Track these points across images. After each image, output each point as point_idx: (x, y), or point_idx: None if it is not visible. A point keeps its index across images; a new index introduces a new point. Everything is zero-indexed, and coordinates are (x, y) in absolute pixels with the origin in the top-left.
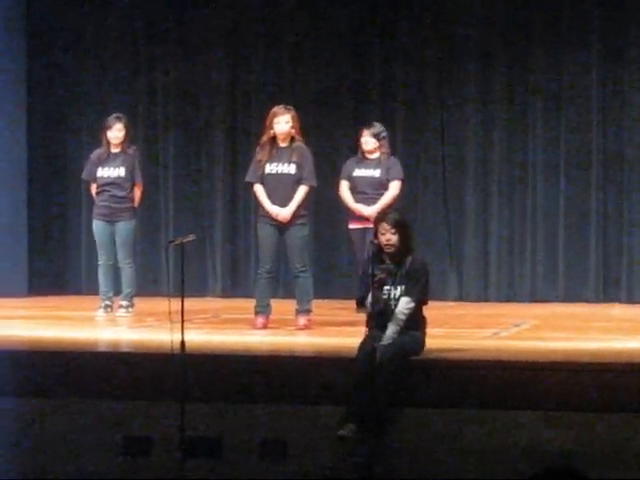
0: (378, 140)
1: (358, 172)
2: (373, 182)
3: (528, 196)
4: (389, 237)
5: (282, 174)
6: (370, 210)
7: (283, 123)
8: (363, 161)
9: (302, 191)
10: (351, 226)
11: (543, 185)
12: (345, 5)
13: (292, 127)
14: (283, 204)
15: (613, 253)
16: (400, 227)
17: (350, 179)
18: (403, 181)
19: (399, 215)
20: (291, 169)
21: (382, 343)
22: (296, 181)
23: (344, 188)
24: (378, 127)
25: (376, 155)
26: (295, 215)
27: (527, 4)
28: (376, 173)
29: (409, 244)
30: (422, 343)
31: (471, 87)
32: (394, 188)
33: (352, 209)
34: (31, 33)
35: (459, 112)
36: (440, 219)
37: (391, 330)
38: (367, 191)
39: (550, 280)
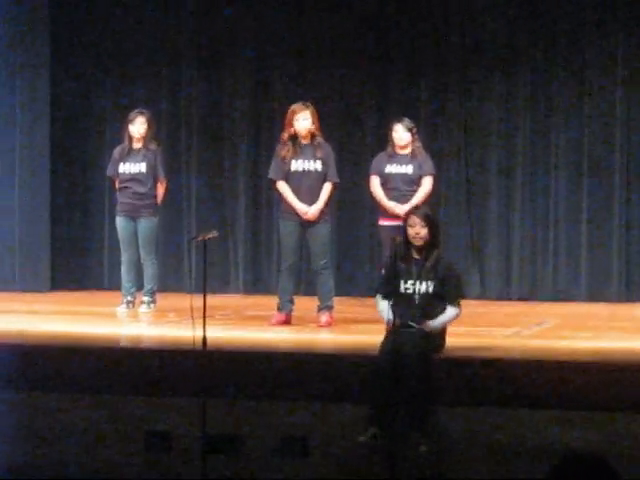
0: (412, 134)
1: (390, 168)
2: (406, 179)
3: (551, 194)
4: (418, 230)
5: (309, 171)
6: (404, 209)
7: (303, 120)
8: (395, 156)
9: (328, 189)
10: (381, 223)
11: (566, 183)
12: (368, 10)
13: (312, 123)
14: (309, 200)
15: (636, 252)
16: (430, 221)
17: (382, 175)
18: (435, 176)
19: (429, 210)
20: (317, 166)
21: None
22: (322, 177)
23: (375, 184)
24: (409, 121)
25: (408, 150)
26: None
27: (551, 6)
28: (409, 170)
29: (437, 239)
30: (443, 341)
31: (494, 90)
32: (427, 184)
33: (386, 207)
34: (54, 33)
35: (482, 113)
36: (463, 217)
37: (435, 322)
38: (400, 188)
39: (572, 279)
